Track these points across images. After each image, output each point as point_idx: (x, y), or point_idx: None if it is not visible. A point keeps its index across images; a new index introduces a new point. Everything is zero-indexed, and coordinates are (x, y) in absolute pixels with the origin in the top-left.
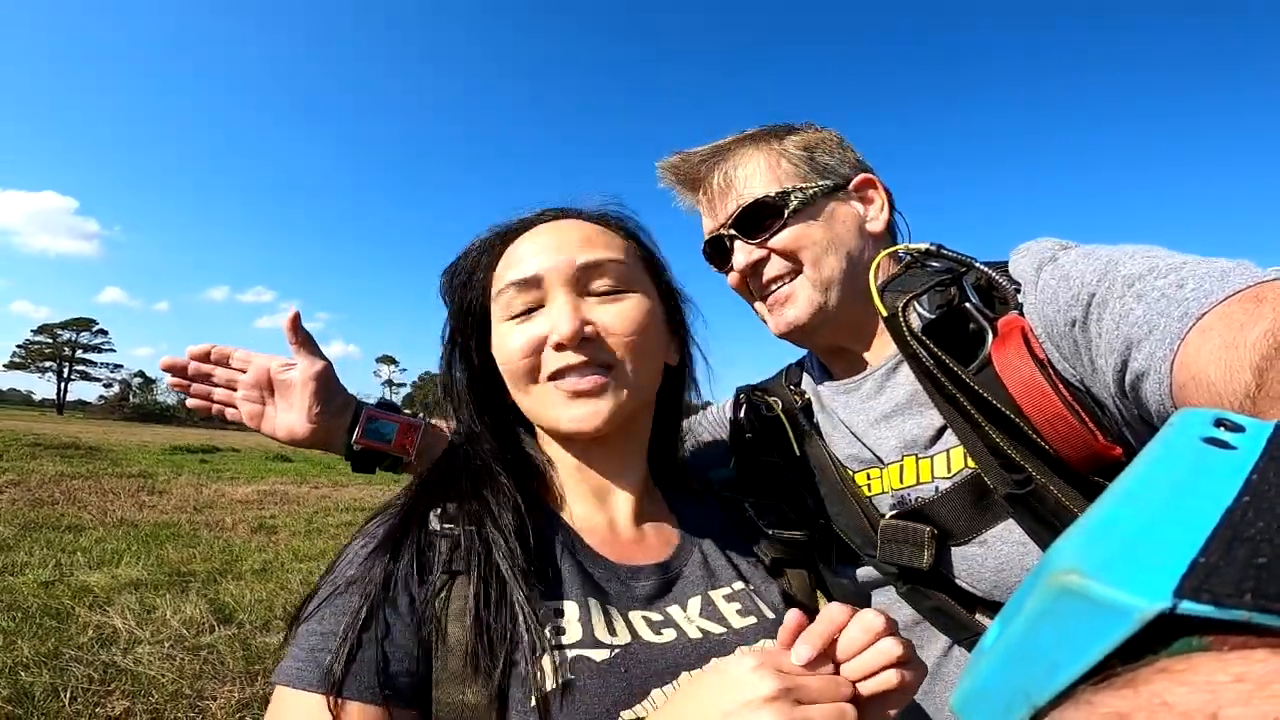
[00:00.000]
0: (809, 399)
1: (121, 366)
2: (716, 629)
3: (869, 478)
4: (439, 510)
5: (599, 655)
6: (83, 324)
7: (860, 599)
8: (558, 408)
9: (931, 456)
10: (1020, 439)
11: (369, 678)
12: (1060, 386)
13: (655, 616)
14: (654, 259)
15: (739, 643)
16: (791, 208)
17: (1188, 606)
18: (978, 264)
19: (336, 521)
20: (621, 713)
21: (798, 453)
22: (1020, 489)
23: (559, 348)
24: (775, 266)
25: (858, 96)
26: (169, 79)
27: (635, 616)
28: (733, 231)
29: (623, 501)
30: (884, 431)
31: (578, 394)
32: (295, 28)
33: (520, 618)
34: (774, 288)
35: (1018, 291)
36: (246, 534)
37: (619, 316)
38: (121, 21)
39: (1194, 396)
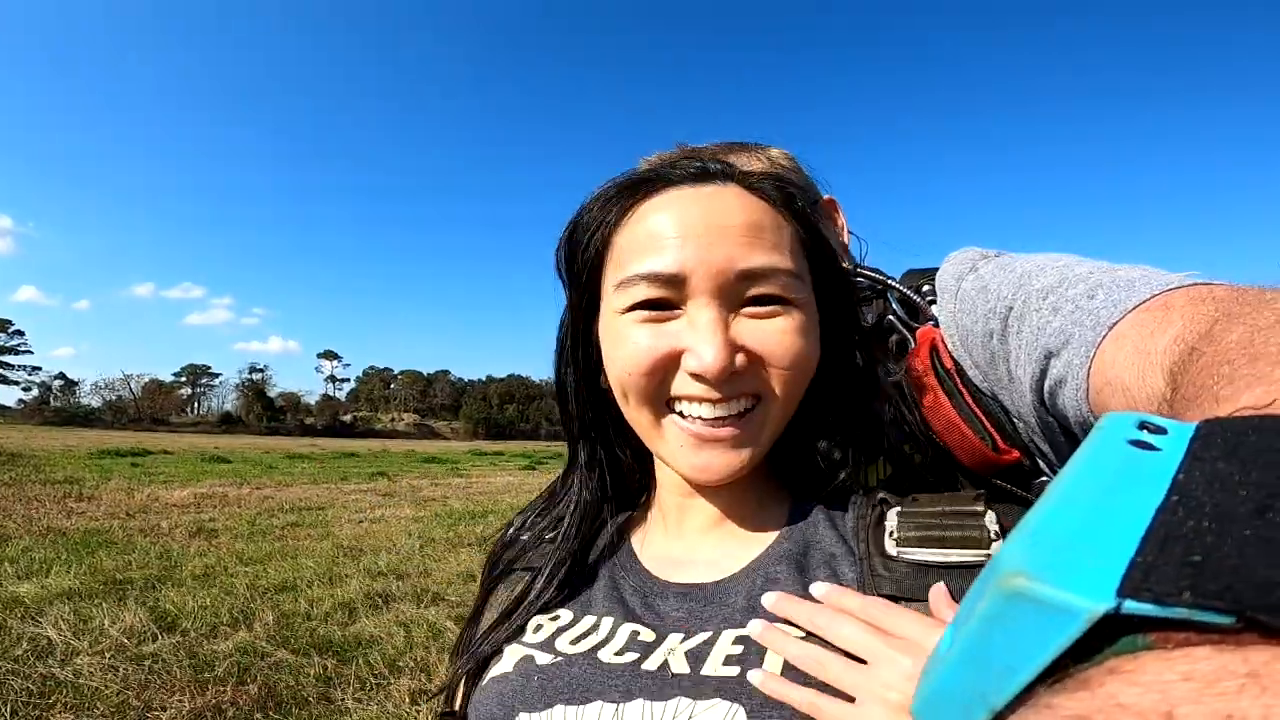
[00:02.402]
0: None
1: (40, 369)
2: (680, 668)
3: None
4: (521, 519)
5: (544, 659)
6: None
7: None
8: (678, 448)
9: (877, 460)
10: (931, 446)
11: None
12: (964, 394)
13: (645, 635)
14: (819, 241)
15: (680, 691)
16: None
17: (1131, 605)
18: (894, 280)
19: (282, 522)
20: (520, 713)
21: None
22: None
23: (696, 377)
24: None
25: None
26: (80, 67)
27: (626, 628)
28: None
29: (703, 512)
30: None
31: (706, 440)
32: (216, 11)
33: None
34: None
35: (931, 303)
36: (185, 538)
37: (777, 343)
38: (28, 7)
39: (1110, 401)
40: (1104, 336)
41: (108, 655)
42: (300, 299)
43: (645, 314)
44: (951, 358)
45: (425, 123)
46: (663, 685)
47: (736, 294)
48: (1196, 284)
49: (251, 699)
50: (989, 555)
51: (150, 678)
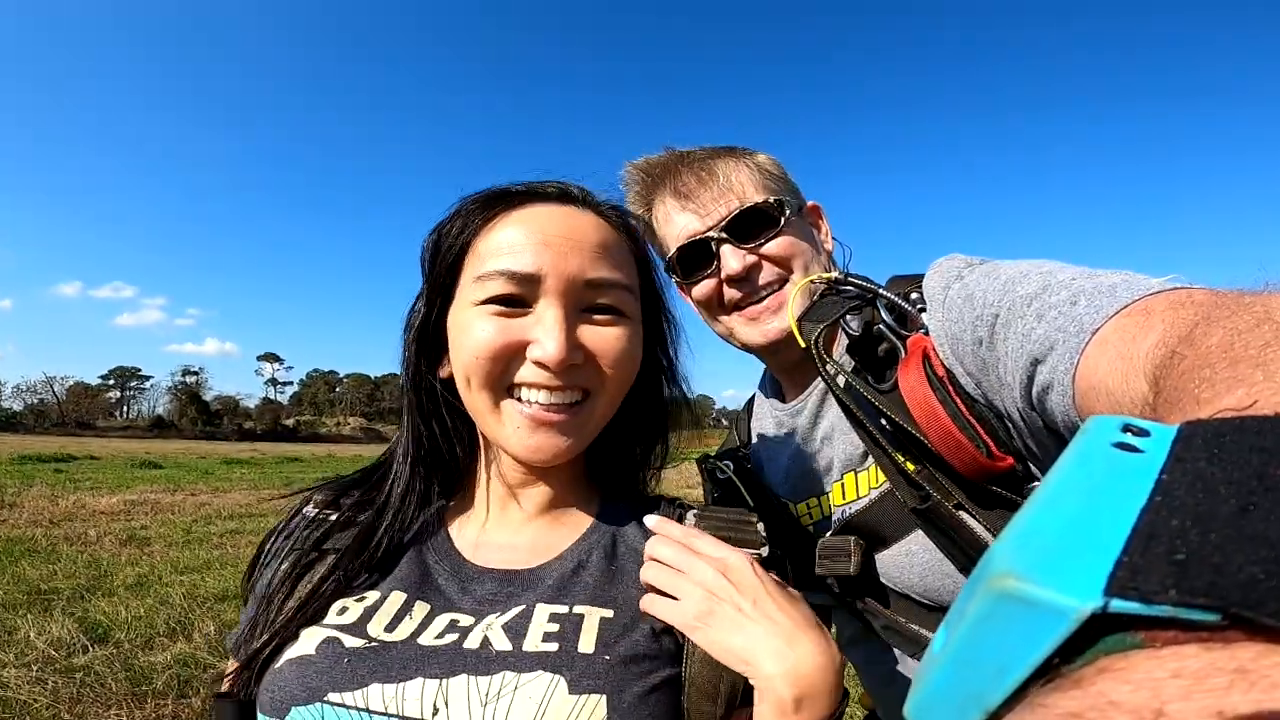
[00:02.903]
0: (754, 444)
1: None
2: (502, 645)
3: (809, 507)
4: (322, 497)
5: (354, 642)
6: None
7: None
8: (514, 430)
9: (868, 468)
10: (925, 454)
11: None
12: (958, 401)
13: (464, 621)
14: (648, 266)
15: (505, 666)
16: (786, 215)
17: (1118, 604)
18: (882, 289)
19: (220, 530)
20: (330, 693)
21: (751, 504)
22: (922, 503)
23: (539, 364)
24: (768, 273)
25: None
26: None
27: (444, 618)
28: (724, 235)
29: (525, 503)
30: (827, 450)
31: (541, 423)
32: (144, 4)
33: (294, 594)
34: (763, 294)
35: (921, 311)
36: (115, 547)
37: (611, 347)
38: None
39: (1095, 404)
40: (1087, 342)
41: (35, 668)
42: (239, 299)
43: (497, 308)
44: (943, 365)
45: (372, 119)
46: (487, 662)
47: (582, 300)
48: (1176, 288)
49: (195, 712)
50: (760, 554)
51: (83, 691)
